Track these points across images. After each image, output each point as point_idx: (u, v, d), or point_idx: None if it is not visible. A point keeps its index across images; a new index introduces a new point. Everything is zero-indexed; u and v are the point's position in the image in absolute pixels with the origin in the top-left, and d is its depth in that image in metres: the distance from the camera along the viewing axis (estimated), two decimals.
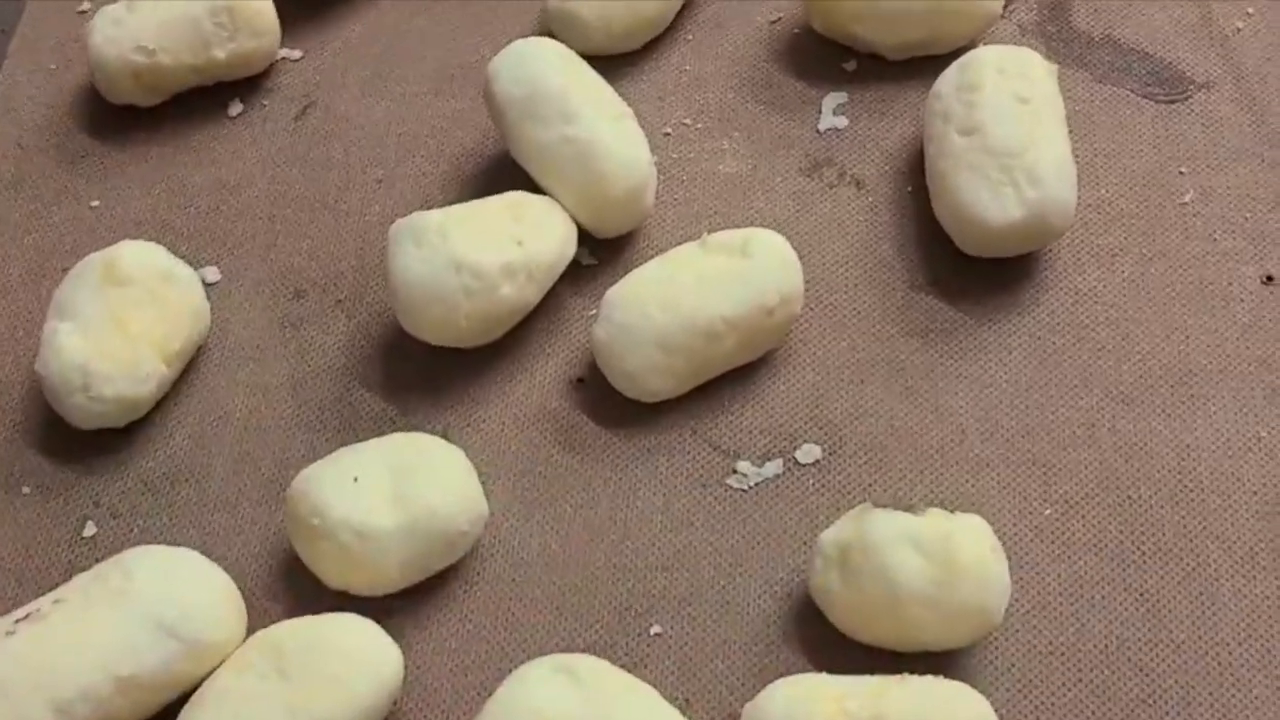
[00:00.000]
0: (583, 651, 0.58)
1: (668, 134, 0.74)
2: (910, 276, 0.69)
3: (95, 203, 0.74)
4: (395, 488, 0.59)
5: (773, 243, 0.65)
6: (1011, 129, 0.65)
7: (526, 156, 0.68)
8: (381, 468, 0.59)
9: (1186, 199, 0.70)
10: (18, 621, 0.55)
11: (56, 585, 0.59)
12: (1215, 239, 0.69)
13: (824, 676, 0.55)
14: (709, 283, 0.63)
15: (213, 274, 0.71)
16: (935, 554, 0.55)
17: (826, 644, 0.59)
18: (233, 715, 0.54)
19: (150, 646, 0.55)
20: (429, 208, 0.68)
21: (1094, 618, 0.59)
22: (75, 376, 0.63)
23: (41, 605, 0.56)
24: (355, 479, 0.58)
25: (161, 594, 0.56)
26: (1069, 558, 0.61)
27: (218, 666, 0.57)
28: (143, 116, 0.77)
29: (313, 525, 0.58)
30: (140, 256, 0.66)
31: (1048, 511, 0.62)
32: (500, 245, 0.64)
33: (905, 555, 0.55)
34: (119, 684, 0.54)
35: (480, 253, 0.63)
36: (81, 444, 0.66)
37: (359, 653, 0.56)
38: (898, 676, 0.54)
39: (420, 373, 0.68)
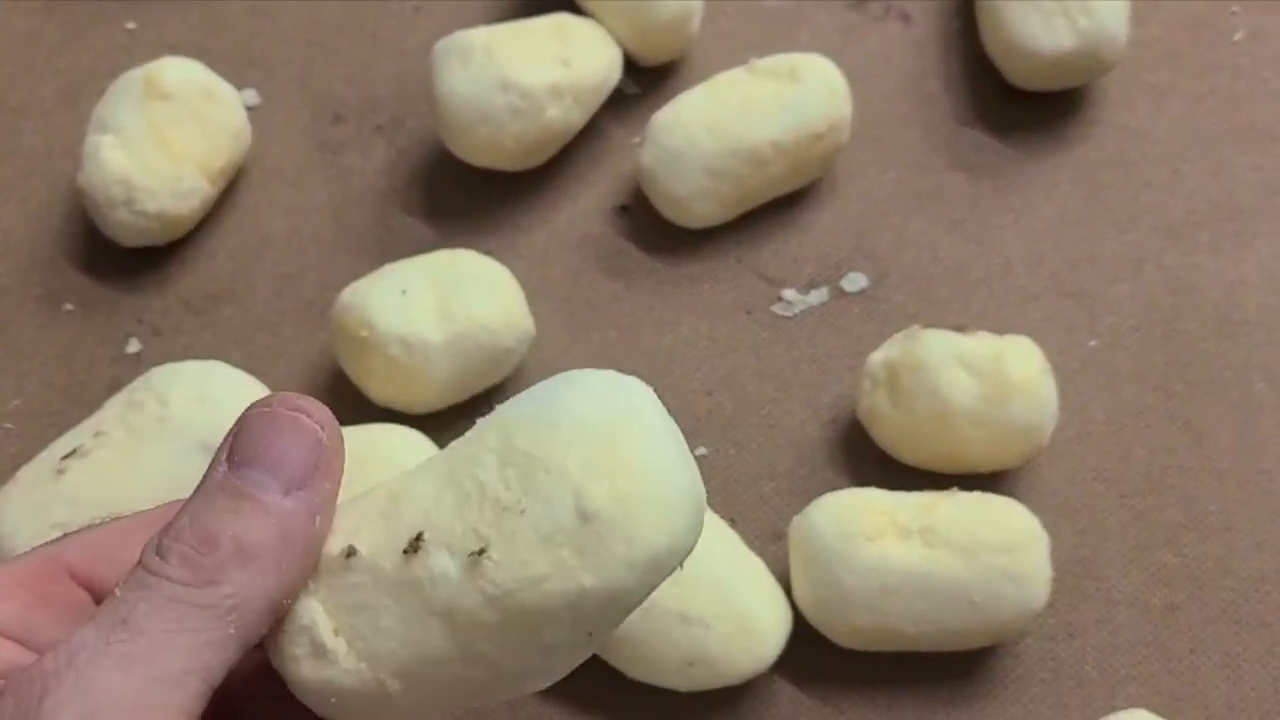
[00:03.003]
0: None
1: None
2: (957, 110, 0.68)
3: (130, 25, 0.73)
4: (442, 302, 0.58)
5: (822, 67, 0.64)
6: None
7: None
8: (428, 283, 0.59)
9: (1237, 38, 0.69)
10: (64, 459, 0.55)
11: (101, 402, 0.59)
12: (1265, 78, 0.68)
13: (872, 491, 0.55)
14: (757, 107, 0.62)
15: (251, 97, 0.70)
16: (985, 373, 0.55)
17: (872, 466, 0.59)
18: None
19: (201, 471, 0.55)
20: None
21: (1138, 445, 0.60)
22: (118, 190, 0.62)
23: (83, 440, 0.56)
24: (403, 292, 0.58)
25: (200, 415, 0.56)
26: (1114, 387, 0.61)
27: None
28: None
29: (360, 338, 0.58)
30: (182, 72, 0.65)
31: (1093, 342, 0.62)
32: (546, 65, 0.63)
33: (955, 374, 0.55)
34: None
35: (527, 72, 0.62)
36: (123, 261, 0.66)
37: (409, 462, 0.56)
38: (946, 492, 0.54)
39: (462, 198, 0.67)
